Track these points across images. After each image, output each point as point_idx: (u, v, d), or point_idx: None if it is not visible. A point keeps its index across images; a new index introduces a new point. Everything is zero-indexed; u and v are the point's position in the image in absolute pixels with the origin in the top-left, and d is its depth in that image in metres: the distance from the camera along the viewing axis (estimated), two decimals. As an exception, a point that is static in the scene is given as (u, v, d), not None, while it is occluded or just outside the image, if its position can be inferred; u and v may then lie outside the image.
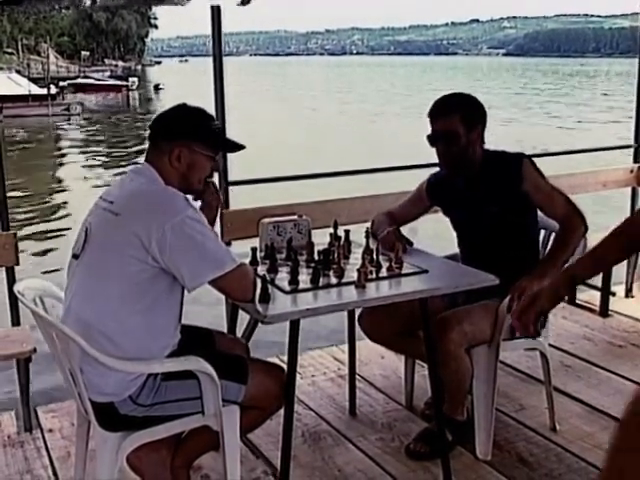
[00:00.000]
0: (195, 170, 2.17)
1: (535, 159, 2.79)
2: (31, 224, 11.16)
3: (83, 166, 18.14)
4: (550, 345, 2.93)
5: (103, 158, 20.02)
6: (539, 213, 2.82)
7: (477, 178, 2.80)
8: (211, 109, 3.21)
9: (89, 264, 2.11)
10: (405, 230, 2.91)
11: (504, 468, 2.69)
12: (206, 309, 4.00)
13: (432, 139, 2.76)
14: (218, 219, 3.22)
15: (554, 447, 2.84)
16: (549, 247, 2.83)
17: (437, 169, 2.98)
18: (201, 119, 2.22)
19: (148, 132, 2.25)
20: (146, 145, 2.23)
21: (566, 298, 4.47)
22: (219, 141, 2.31)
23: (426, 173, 3.05)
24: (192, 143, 2.15)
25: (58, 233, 10.30)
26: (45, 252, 9.13)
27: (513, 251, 2.81)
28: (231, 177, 3.31)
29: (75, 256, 2.16)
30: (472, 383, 2.71)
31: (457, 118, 2.70)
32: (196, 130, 2.17)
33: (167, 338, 2.17)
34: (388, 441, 2.90)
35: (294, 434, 2.50)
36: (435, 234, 3.01)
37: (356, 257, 2.59)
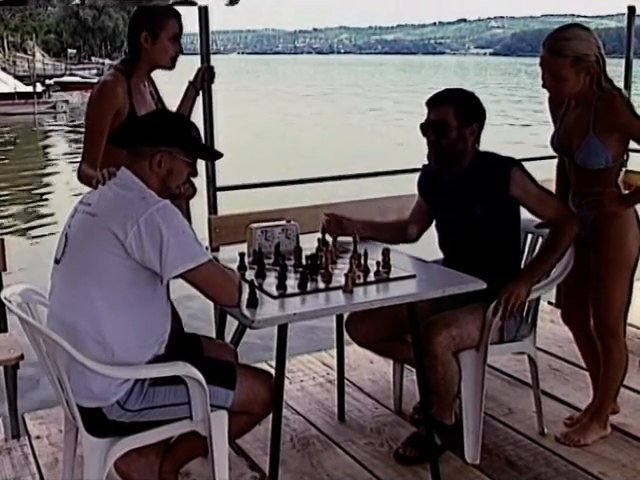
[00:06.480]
0: (174, 175, 2.18)
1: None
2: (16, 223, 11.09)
3: (69, 162, 17.95)
4: (538, 349, 2.94)
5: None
6: (530, 217, 2.82)
7: (465, 178, 2.77)
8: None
9: (70, 267, 2.12)
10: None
11: (493, 472, 2.70)
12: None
13: (424, 127, 2.75)
14: (206, 224, 3.25)
15: (542, 450, 2.85)
16: (538, 248, 2.83)
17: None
18: (182, 126, 2.24)
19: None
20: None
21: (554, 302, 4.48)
22: (199, 149, 2.32)
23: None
24: (174, 149, 2.15)
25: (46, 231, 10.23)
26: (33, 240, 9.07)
27: (494, 254, 2.79)
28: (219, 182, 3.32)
29: (57, 260, 2.18)
30: (460, 387, 2.72)
31: (451, 110, 2.68)
32: (178, 137, 2.18)
33: (157, 334, 2.17)
34: (377, 446, 2.90)
35: (283, 439, 2.51)
36: (432, 239, 2.99)
37: (344, 262, 2.59)
